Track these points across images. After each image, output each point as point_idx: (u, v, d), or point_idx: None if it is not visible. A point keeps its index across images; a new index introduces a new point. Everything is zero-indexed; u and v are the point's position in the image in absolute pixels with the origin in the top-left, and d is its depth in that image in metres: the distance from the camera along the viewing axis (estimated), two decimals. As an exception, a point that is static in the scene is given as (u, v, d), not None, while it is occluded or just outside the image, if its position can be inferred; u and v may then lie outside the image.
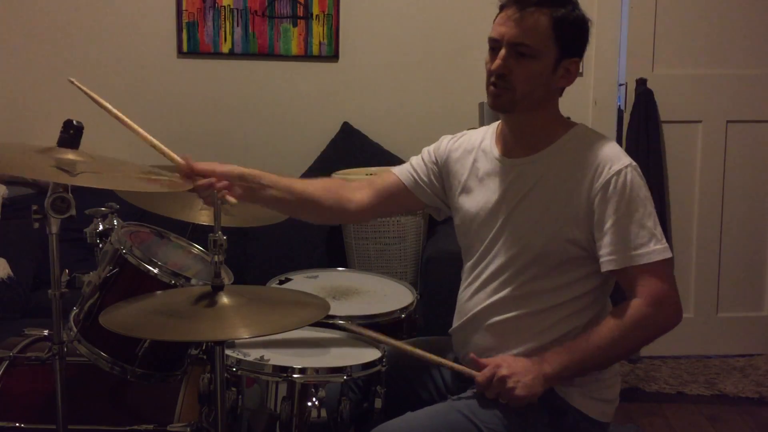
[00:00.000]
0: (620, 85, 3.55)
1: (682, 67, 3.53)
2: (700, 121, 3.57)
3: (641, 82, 3.48)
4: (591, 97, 3.50)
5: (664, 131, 3.53)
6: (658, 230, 1.65)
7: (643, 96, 3.47)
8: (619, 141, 3.54)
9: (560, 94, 1.76)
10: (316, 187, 1.90)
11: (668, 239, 3.50)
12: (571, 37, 1.67)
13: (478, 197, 1.81)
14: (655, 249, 1.62)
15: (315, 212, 1.91)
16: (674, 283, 1.66)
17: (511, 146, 1.78)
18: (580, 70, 3.33)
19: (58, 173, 1.59)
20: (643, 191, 1.65)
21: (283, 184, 1.85)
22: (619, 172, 1.64)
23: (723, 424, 3.02)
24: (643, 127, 3.47)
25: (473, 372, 1.71)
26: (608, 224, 1.63)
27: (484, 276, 1.78)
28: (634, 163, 1.67)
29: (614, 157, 1.66)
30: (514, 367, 1.64)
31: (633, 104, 3.49)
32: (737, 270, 3.65)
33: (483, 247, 1.78)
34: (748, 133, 3.58)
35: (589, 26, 1.72)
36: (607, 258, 1.64)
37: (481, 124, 3.22)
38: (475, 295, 1.80)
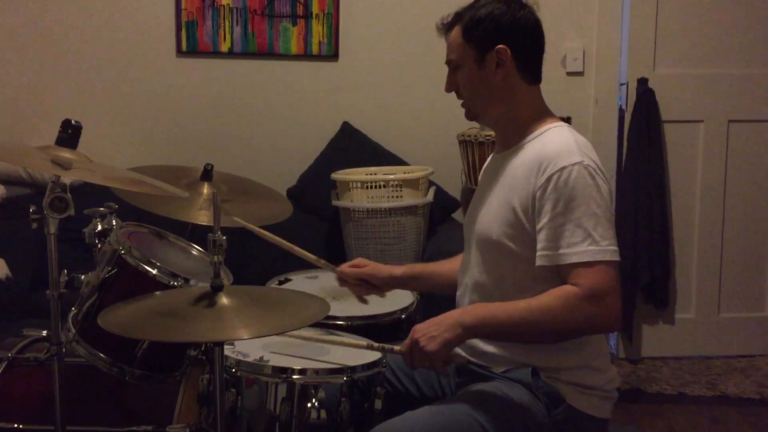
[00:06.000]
0: (621, 84, 3.54)
1: (683, 66, 3.52)
2: (701, 121, 3.56)
3: (642, 82, 3.47)
4: (592, 96, 3.50)
5: (666, 131, 3.53)
6: (599, 232, 1.61)
7: (645, 96, 3.47)
8: (620, 141, 3.54)
9: (528, 86, 1.77)
10: (452, 270, 2.00)
11: (669, 239, 3.55)
12: (482, 33, 1.75)
13: (475, 193, 1.92)
14: (588, 249, 1.60)
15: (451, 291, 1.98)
16: (614, 286, 1.61)
17: (498, 143, 1.89)
18: (581, 69, 3.44)
19: (53, 166, 1.59)
20: (590, 191, 1.62)
21: (437, 274, 2.05)
22: (563, 169, 1.63)
23: (725, 425, 3.01)
24: (644, 127, 3.46)
25: (395, 348, 1.73)
26: (545, 220, 1.64)
27: (467, 269, 1.85)
28: (588, 162, 1.64)
29: (564, 154, 1.65)
30: (425, 326, 1.66)
31: (634, 104, 3.48)
32: (739, 270, 3.64)
33: (467, 238, 1.88)
34: (750, 132, 3.58)
35: (501, 12, 1.75)
36: (540, 253, 1.65)
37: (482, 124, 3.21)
38: (461, 288, 1.88)
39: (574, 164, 1.63)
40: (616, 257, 1.63)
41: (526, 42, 1.77)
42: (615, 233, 1.65)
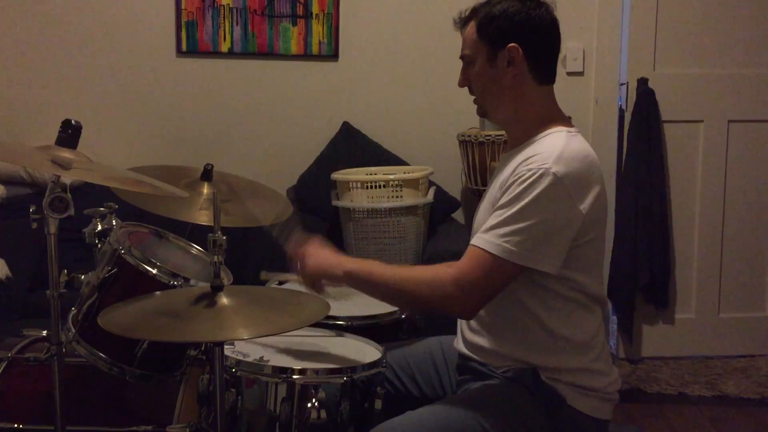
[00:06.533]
0: (621, 84, 3.54)
1: (683, 66, 3.53)
2: (701, 121, 3.56)
3: (642, 82, 3.47)
4: (592, 96, 3.50)
5: (666, 131, 3.53)
6: (522, 237, 1.60)
7: (645, 95, 3.47)
8: (620, 141, 3.54)
9: (539, 87, 1.77)
10: None
11: (669, 239, 3.55)
12: (495, 30, 1.74)
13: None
14: (499, 244, 1.61)
15: None
16: (490, 283, 1.63)
17: (508, 141, 1.89)
18: (581, 69, 3.45)
19: (53, 166, 1.59)
20: (540, 197, 1.60)
21: None
22: (529, 170, 1.63)
23: (725, 425, 3.01)
24: (644, 127, 3.46)
25: (287, 244, 1.92)
26: (495, 210, 1.67)
27: None
28: (557, 170, 1.61)
29: (541, 158, 1.64)
30: (319, 249, 1.84)
31: (634, 104, 3.49)
32: (738, 270, 3.64)
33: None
34: (750, 132, 3.58)
35: (516, 10, 1.74)
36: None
37: (482, 124, 3.21)
38: None
39: (540, 167, 1.62)
40: (522, 261, 1.61)
41: (539, 42, 1.75)
42: (546, 244, 1.62)
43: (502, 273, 1.63)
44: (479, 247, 1.63)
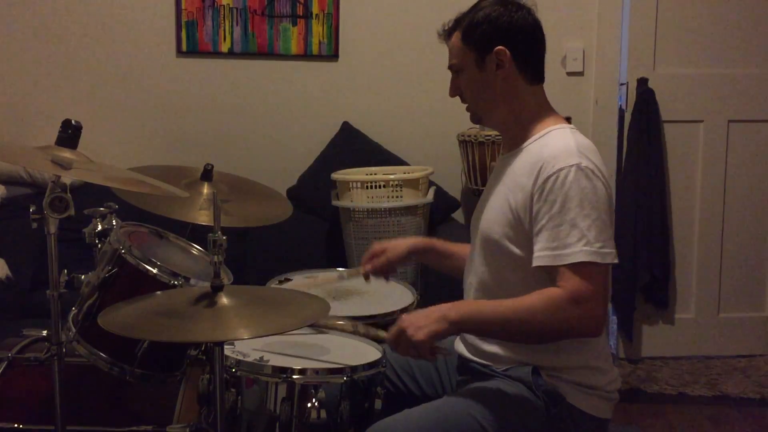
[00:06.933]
0: (621, 84, 3.54)
1: (683, 66, 3.52)
2: (701, 121, 3.56)
3: (642, 82, 3.47)
4: (592, 96, 3.50)
5: (666, 131, 3.53)
6: (593, 233, 1.60)
7: (645, 95, 3.47)
8: (620, 141, 3.54)
9: (530, 86, 1.78)
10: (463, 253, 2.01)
11: (669, 239, 3.55)
12: (481, 35, 1.77)
13: (483, 193, 1.92)
14: (582, 250, 1.60)
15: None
16: (599, 290, 1.61)
17: (504, 144, 1.89)
18: (581, 69, 3.45)
19: (53, 166, 1.59)
20: (585, 193, 1.62)
21: (451, 253, 2.05)
22: (560, 171, 1.64)
23: (725, 425, 3.01)
24: (644, 127, 3.46)
25: (381, 333, 1.79)
26: (542, 222, 1.64)
27: (472, 268, 1.85)
28: (585, 164, 1.64)
29: (562, 156, 1.65)
30: (412, 318, 1.68)
31: (634, 104, 3.49)
32: (738, 270, 3.64)
33: (472, 238, 1.88)
34: (750, 132, 3.58)
35: (498, 14, 1.76)
36: (536, 254, 1.65)
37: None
38: (466, 287, 1.88)
39: (571, 166, 1.64)
40: (610, 260, 1.63)
41: (525, 42, 1.77)
42: (612, 236, 1.65)
43: (602, 276, 1.62)
44: (569, 264, 1.61)
